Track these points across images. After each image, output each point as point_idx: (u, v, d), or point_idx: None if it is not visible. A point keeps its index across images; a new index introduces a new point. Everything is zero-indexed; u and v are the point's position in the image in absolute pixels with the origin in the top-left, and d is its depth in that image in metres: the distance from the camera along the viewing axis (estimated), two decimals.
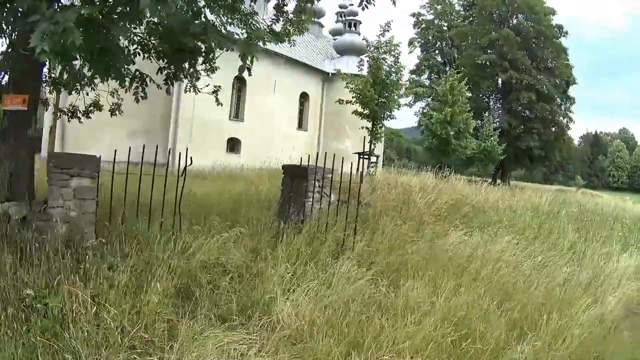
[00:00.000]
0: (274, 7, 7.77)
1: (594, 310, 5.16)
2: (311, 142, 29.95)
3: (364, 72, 15.60)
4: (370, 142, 14.74)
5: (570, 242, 8.42)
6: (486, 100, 45.62)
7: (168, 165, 5.65)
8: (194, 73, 6.93)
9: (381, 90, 14.49)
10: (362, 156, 13.60)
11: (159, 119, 21.22)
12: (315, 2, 7.48)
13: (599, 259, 7.75)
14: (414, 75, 49.38)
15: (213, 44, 5.81)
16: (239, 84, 24.87)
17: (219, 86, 7.48)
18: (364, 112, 15.09)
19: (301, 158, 7.34)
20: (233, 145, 24.57)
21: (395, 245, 5.73)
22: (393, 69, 14.94)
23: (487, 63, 42.68)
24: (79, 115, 8.63)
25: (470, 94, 23.25)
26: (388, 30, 15.45)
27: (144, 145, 5.34)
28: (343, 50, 33.37)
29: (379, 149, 29.71)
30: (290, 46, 8.67)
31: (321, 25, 37.22)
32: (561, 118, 44.84)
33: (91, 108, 8.55)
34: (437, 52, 51.53)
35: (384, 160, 36.85)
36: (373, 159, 14.47)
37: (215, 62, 6.87)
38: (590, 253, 7.90)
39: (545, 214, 10.90)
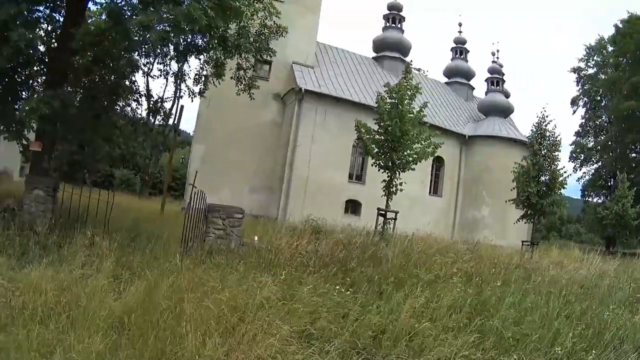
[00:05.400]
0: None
1: None
2: (447, 209, 28.91)
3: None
4: (387, 196, 14.35)
5: None
6: (634, 156, 37.53)
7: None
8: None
9: (398, 131, 13.41)
10: (379, 212, 13.76)
11: (277, 179, 24.70)
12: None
13: None
14: (578, 138, 43.78)
15: None
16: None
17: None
18: (379, 163, 14.08)
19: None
20: (354, 207, 25.38)
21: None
22: (411, 108, 13.87)
23: (632, 112, 34.71)
24: None
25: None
26: (409, 72, 14.90)
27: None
28: (487, 111, 32.18)
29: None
30: None
31: (471, 87, 36.75)
32: None
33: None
34: (603, 110, 43.44)
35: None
36: (390, 215, 14.01)
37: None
38: None
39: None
